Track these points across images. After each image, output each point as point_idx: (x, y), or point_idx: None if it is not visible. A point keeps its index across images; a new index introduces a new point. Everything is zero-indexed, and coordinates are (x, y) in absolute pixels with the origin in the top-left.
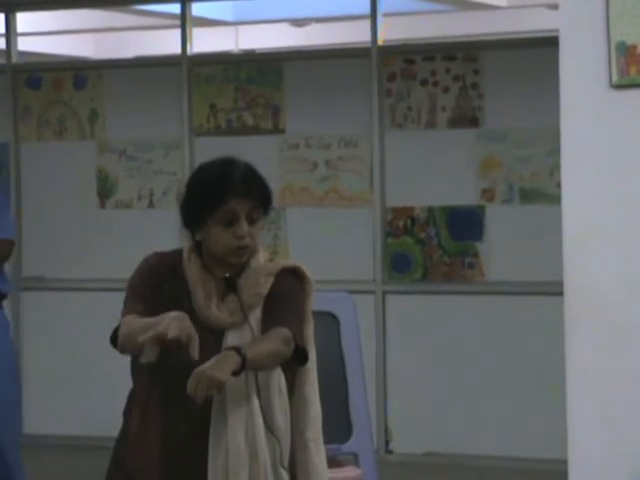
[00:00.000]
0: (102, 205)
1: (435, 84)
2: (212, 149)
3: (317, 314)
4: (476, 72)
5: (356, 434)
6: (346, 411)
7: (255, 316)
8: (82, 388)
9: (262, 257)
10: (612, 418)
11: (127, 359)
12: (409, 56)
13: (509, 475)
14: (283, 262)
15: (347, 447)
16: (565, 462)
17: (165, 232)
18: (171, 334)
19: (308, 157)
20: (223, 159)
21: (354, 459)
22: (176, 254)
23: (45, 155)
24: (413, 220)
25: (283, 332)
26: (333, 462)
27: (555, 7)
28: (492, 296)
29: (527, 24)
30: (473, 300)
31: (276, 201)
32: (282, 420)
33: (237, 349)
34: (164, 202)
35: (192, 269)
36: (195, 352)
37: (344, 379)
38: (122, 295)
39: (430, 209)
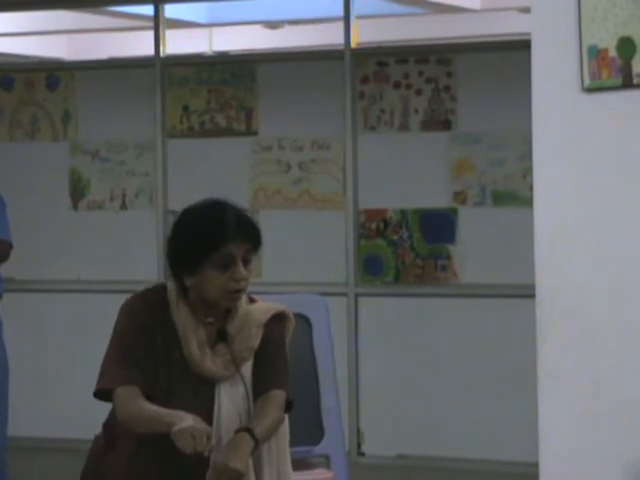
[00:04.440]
0: (74, 206)
1: (408, 87)
2: (185, 151)
3: None
4: (449, 75)
5: (328, 436)
6: (318, 413)
7: (247, 367)
8: (52, 389)
9: (244, 299)
10: (583, 422)
11: (97, 359)
12: (382, 59)
13: (481, 478)
14: (269, 308)
15: (319, 449)
16: (536, 465)
17: (137, 233)
18: (198, 447)
19: (281, 159)
20: (211, 203)
21: (326, 461)
22: (160, 295)
23: (17, 156)
24: (386, 222)
25: (280, 396)
26: (304, 464)
27: (528, 11)
28: (465, 298)
29: (500, 27)
30: (446, 302)
31: (249, 203)
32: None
33: (249, 430)
34: (137, 203)
35: (182, 316)
36: (213, 442)
37: (316, 381)
38: (93, 297)
39: (403, 211)
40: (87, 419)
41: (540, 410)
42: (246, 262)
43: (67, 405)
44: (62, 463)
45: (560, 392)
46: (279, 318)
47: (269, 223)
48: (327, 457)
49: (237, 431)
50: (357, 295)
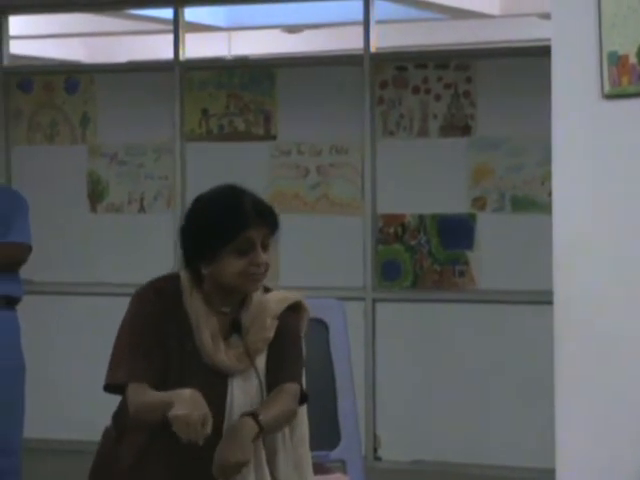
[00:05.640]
0: (93, 209)
1: (427, 92)
2: (203, 154)
3: None
4: (468, 80)
5: (344, 441)
6: (335, 418)
7: (260, 359)
8: (68, 391)
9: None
10: (601, 429)
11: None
12: (401, 63)
13: None
14: (285, 298)
15: (335, 454)
16: (553, 472)
17: (155, 236)
18: (192, 436)
19: (300, 163)
20: (225, 189)
21: (342, 466)
22: (173, 284)
23: (36, 159)
24: (404, 227)
25: (293, 389)
26: (321, 469)
27: (548, 16)
28: (482, 304)
29: (519, 33)
30: (463, 308)
31: None
32: (285, 468)
33: (254, 415)
34: (155, 207)
35: (195, 306)
36: (209, 429)
37: (333, 386)
38: (111, 300)
39: (421, 217)
40: (103, 422)
41: (557, 416)
42: (265, 247)
43: (83, 407)
44: (77, 465)
45: (577, 398)
46: (295, 309)
47: (287, 227)
48: (343, 462)
49: (242, 415)
50: (375, 300)
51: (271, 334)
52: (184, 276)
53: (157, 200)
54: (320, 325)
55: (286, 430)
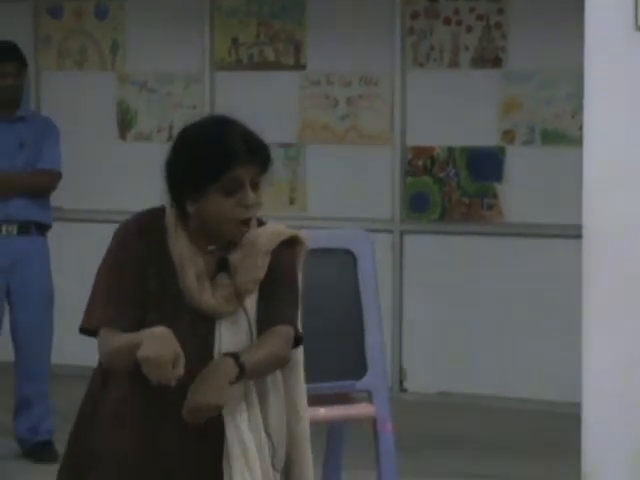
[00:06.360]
0: (122, 137)
1: (458, 23)
2: (233, 83)
3: (335, 251)
4: (500, 12)
5: (371, 372)
6: (361, 348)
7: (250, 300)
8: None
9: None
10: (629, 362)
11: None
12: None
13: (522, 416)
14: (279, 233)
15: (361, 384)
16: (579, 405)
17: None
18: (163, 377)
19: (329, 94)
20: (215, 120)
21: (368, 396)
22: (157, 221)
23: (65, 85)
24: (433, 160)
25: (285, 331)
26: (347, 399)
27: None
28: (510, 237)
29: None
30: (491, 241)
31: (296, 138)
32: (276, 419)
33: (235, 356)
34: None
35: (180, 244)
36: (181, 370)
37: (360, 316)
38: None
39: (450, 149)
40: None
41: (584, 351)
42: (255, 186)
43: None
44: None
45: (605, 331)
46: (289, 244)
47: (316, 158)
48: (369, 392)
49: (223, 355)
50: (402, 232)
51: (262, 273)
52: (170, 212)
53: None
54: (348, 256)
55: (278, 373)
